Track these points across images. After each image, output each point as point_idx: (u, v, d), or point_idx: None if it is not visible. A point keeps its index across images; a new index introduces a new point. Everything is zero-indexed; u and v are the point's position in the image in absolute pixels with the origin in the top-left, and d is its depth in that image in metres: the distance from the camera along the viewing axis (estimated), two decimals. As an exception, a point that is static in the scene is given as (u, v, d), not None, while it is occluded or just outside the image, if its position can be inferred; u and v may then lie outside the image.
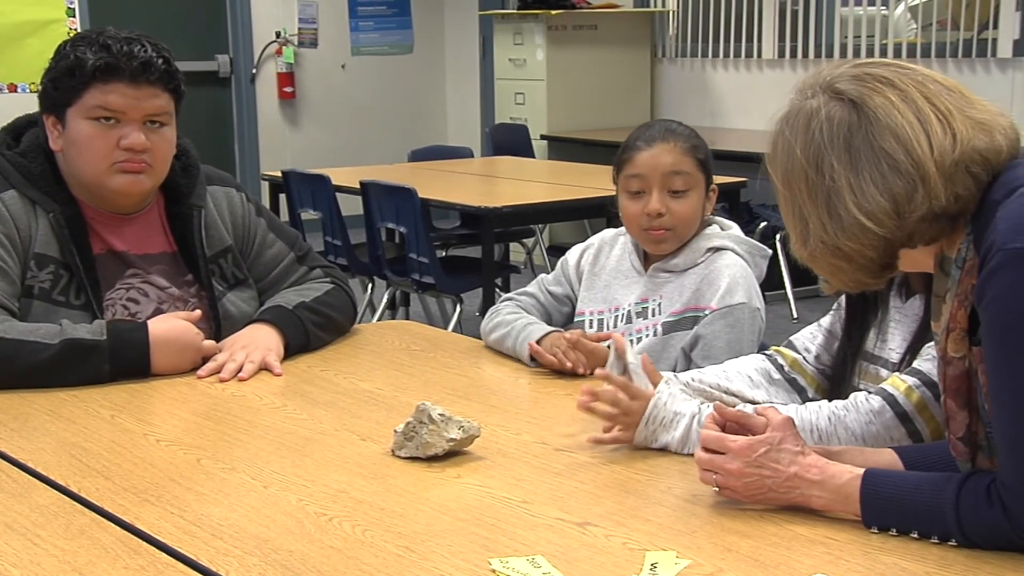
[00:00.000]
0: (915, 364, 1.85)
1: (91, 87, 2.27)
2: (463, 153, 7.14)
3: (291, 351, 2.40)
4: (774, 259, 5.14)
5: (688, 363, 2.32)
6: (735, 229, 2.50)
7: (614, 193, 2.51)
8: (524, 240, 7.08)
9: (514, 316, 2.46)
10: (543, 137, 8.12)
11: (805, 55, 7.70)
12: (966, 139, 1.44)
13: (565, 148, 7.89)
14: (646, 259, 2.50)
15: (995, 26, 6.79)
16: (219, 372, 2.28)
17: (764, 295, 2.44)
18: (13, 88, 7.91)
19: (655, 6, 8.56)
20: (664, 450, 1.85)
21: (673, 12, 8.48)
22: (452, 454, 1.83)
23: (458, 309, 5.18)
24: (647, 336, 2.42)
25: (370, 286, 5.59)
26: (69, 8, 8.04)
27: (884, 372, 1.94)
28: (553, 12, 8.07)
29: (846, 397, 1.92)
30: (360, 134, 9.39)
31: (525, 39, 8.25)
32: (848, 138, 1.47)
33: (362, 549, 1.51)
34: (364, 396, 2.19)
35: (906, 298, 1.95)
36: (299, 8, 9.21)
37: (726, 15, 8.13)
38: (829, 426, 1.81)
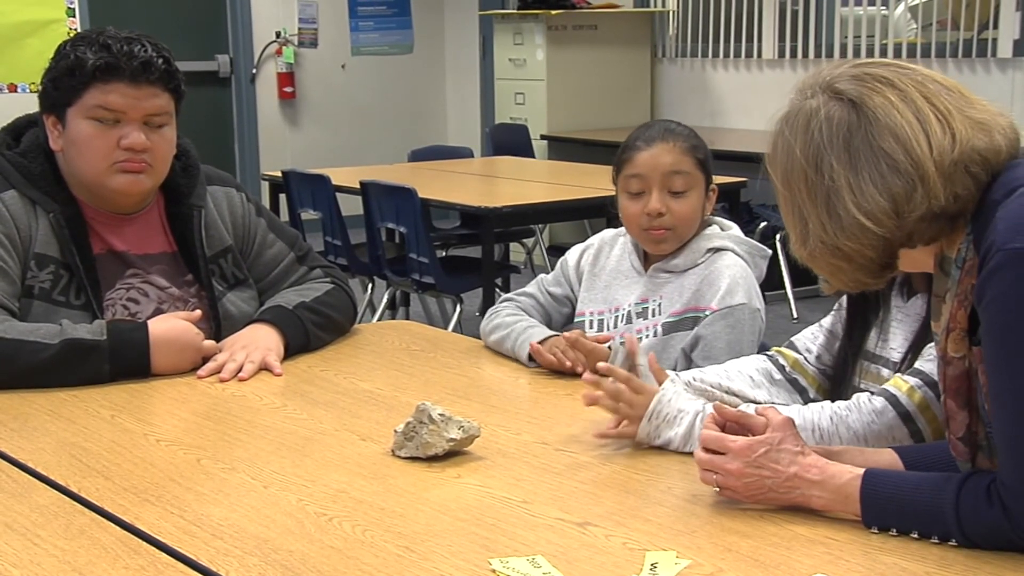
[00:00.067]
0: (917, 364, 1.85)
1: (91, 87, 2.27)
2: (463, 153, 7.14)
3: (291, 351, 2.41)
4: (774, 259, 5.15)
5: (688, 364, 2.32)
6: (735, 229, 2.50)
7: (614, 193, 2.51)
8: (524, 240, 7.08)
9: (514, 318, 2.46)
10: (543, 137, 8.12)
11: (805, 55, 7.70)
12: (965, 139, 1.44)
13: (565, 148, 7.89)
14: (646, 259, 2.50)
15: (995, 26, 6.79)
16: (219, 372, 2.28)
17: (764, 295, 2.44)
18: (13, 88, 7.91)
19: (655, 6, 8.56)
20: (665, 449, 1.85)
21: (673, 12, 8.48)
22: (452, 454, 1.83)
23: (458, 309, 5.18)
24: (647, 336, 2.42)
25: (370, 286, 5.59)
26: (69, 8, 8.04)
27: (885, 372, 1.94)
28: (553, 12, 8.07)
29: (847, 397, 1.92)
30: (360, 134, 9.39)
31: (525, 39, 8.25)
32: (847, 138, 1.47)
33: (362, 549, 1.51)
34: (364, 396, 2.19)
35: (908, 297, 1.95)
36: (299, 8, 9.21)
37: (726, 15, 8.13)
38: (831, 426, 1.81)
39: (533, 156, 7.73)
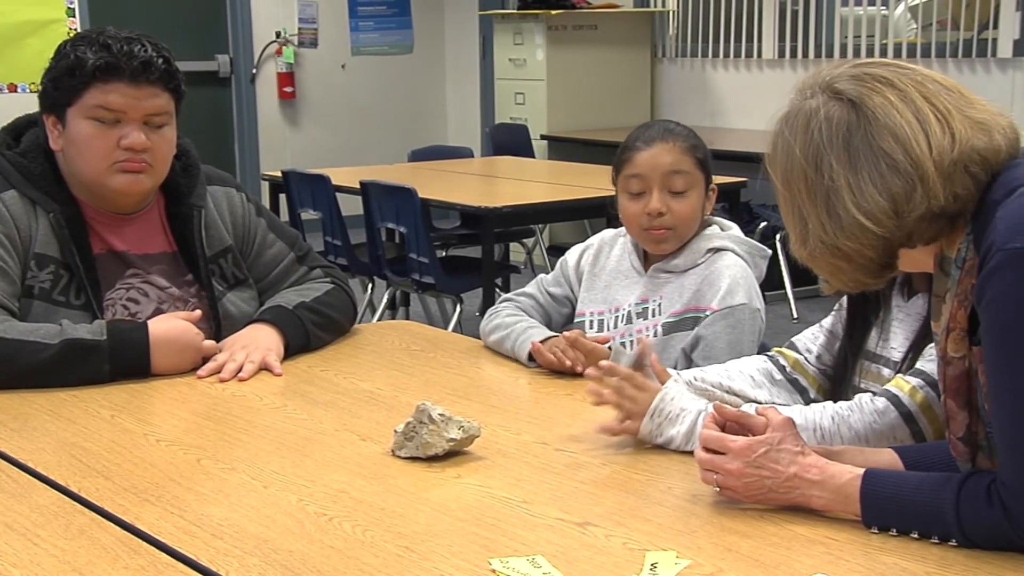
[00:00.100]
0: (919, 364, 1.85)
1: (91, 87, 2.27)
2: (463, 153, 7.14)
3: (291, 351, 2.40)
4: (774, 259, 5.15)
5: (688, 364, 2.32)
6: (735, 230, 2.50)
7: (614, 193, 2.51)
8: (524, 240, 7.08)
9: (513, 318, 2.46)
10: (543, 137, 8.12)
11: (805, 55, 7.70)
12: (965, 139, 1.44)
13: (565, 148, 7.89)
14: (646, 259, 2.51)
15: (995, 26, 6.79)
16: (219, 372, 2.28)
17: (764, 295, 2.44)
18: (13, 88, 7.91)
19: (655, 6, 8.56)
20: (666, 448, 1.85)
21: (673, 12, 8.48)
22: (452, 454, 1.83)
23: (458, 309, 5.18)
24: (647, 336, 2.42)
25: (370, 286, 5.59)
26: (69, 8, 8.04)
27: (886, 371, 1.94)
28: (553, 12, 8.07)
29: (847, 397, 1.92)
30: (360, 134, 9.39)
31: (525, 39, 8.25)
32: (847, 138, 1.47)
33: (362, 549, 1.51)
34: (364, 396, 2.19)
35: (908, 297, 1.95)
36: (299, 8, 9.21)
37: (726, 15, 8.13)
38: (833, 426, 1.81)
39: (533, 156, 7.73)
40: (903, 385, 1.82)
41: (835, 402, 1.88)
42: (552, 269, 2.64)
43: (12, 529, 1.57)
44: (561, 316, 2.59)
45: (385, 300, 5.59)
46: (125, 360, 2.23)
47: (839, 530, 1.52)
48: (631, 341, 2.43)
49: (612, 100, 8.32)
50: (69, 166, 2.34)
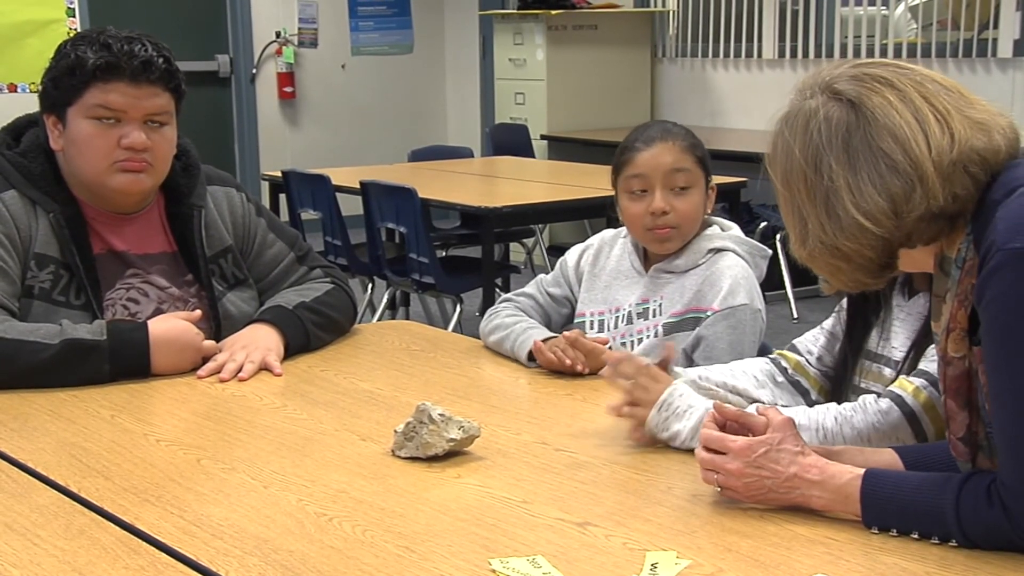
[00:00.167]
0: (921, 365, 1.85)
1: (92, 86, 2.27)
2: (463, 153, 7.14)
3: (291, 351, 2.40)
4: (774, 259, 5.14)
5: (689, 364, 2.32)
6: (735, 230, 2.50)
7: (613, 194, 2.51)
8: (524, 240, 7.08)
9: (513, 319, 2.46)
10: (543, 137, 8.12)
11: (805, 55, 7.70)
12: (964, 139, 1.44)
13: (565, 148, 7.89)
14: (646, 260, 2.50)
15: (995, 26, 6.79)
16: (219, 372, 2.28)
17: (764, 295, 2.44)
18: (13, 88, 7.91)
19: (655, 6, 8.56)
20: (670, 444, 1.85)
21: (673, 12, 8.48)
22: (452, 454, 1.83)
23: (458, 309, 5.18)
24: (648, 337, 2.42)
25: (370, 286, 5.59)
26: (69, 8, 8.04)
27: (887, 371, 1.94)
28: (553, 12, 8.07)
29: (847, 397, 1.92)
30: (360, 134, 9.39)
31: (525, 39, 8.25)
32: (846, 138, 1.47)
33: (362, 549, 1.51)
34: (364, 396, 2.19)
35: (909, 296, 1.95)
36: (299, 8, 9.21)
37: (726, 15, 8.13)
38: (836, 426, 1.81)
39: (533, 156, 7.73)
40: (906, 385, 1.82)
41: (836, 403, 1.88)
42: (552, 269, 2.64)
43: (12, 529, 1.57)
44: (561, 316, 2.59)
45: (385, 300, 5.59)
46: (125, 360, 2.23)
47: (839, 530, 1.52)
48: (631, 341, 2.43)
49: (612, 100, 8.32)
50: (69, 166, 2.34)
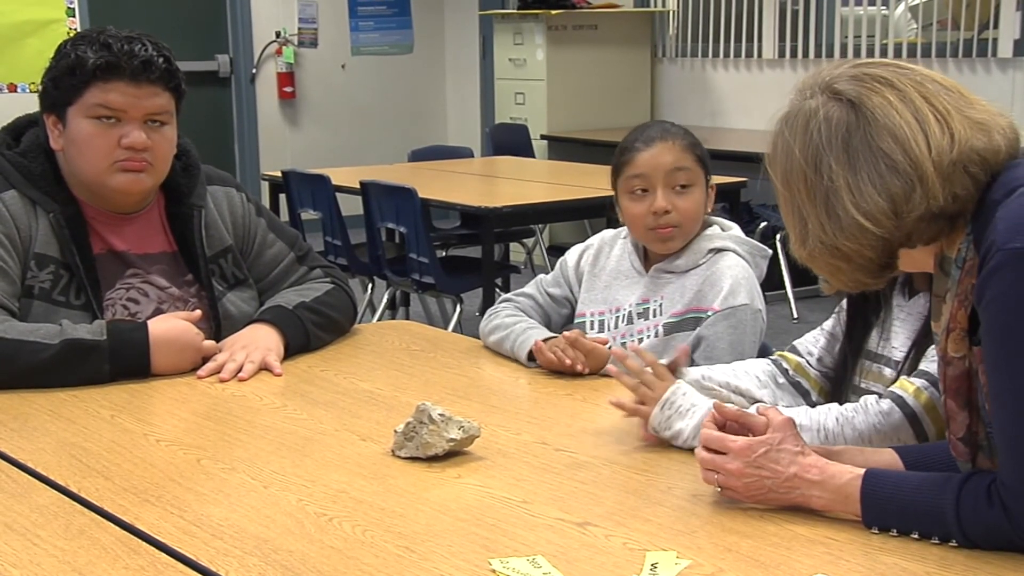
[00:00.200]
0: (922, 365, 1.85)
1: (92, 86, 2.27)
2: (463, 153, 7.14)
3: (291, 351, 2.40)
4: (774, 259, 5.13)
5: (690, 364, 2.32)
6: (736, 230, 2.50)
7: (613, 195, 2.51)
8: (524, 240, 7.08)
9: (513, 319, 2.46)
10: (543, 137, 8.12)
11: (805, 55, 7.70)
12: (964, 139, 1.44)
13: (565, 148, 7.89)
14: (646, 260, 2.50)
15: (995, 26, 6.79)
16: (219, 372, 2.28)
17: (764, 295, 2.44)
18: (13, 88, 7.91)
19: (655, 6, 8.56)
20: (672, 443, 1.85)
21: (673, 12, 8.48)
22: (452, 454, 1.83)
23: (458, 309, 5.18)
24: (648, 337, 2.42)
25: (370, 286, 5.59)
26: (69, 8, 8.04)
27: (887, 371, 1.94)
28: (553, 12, 8.07)
29: (847, 397, 1.92)
30: (360, 134, 9.39)
31: (525, 39, 8.25)
32: (846, 138, 1.47)
33: (362, 549, 1.50)
34: (364, 396, 2.19)
35: (909, 296, 1.95)
36: (299, 8, 9.21)
37: (726, 15, 8.13)
38: (837, 427, 1.81)
39: (533, 156, 7.73)
40: (907, 386, 1.82)
41: (837, 403, 1.88)
42: (552, 269, 2.64)
43: (12, 529, 1.57)
44: (560, 317, 2.59)
45: (385, 300, 5.59)
46: (125, 360, 2.23)
47: (839, 530, 1.52)
48: (632, 341, 2.43)
49: (612, 100, 8.32)
50: (69, 165, 2.34)
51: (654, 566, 1.44)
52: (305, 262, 2.61)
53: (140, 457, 1.86)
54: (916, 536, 1.48)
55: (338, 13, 9.37)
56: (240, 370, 2.28)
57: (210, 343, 2.34)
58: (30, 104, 2.44)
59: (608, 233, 2.61)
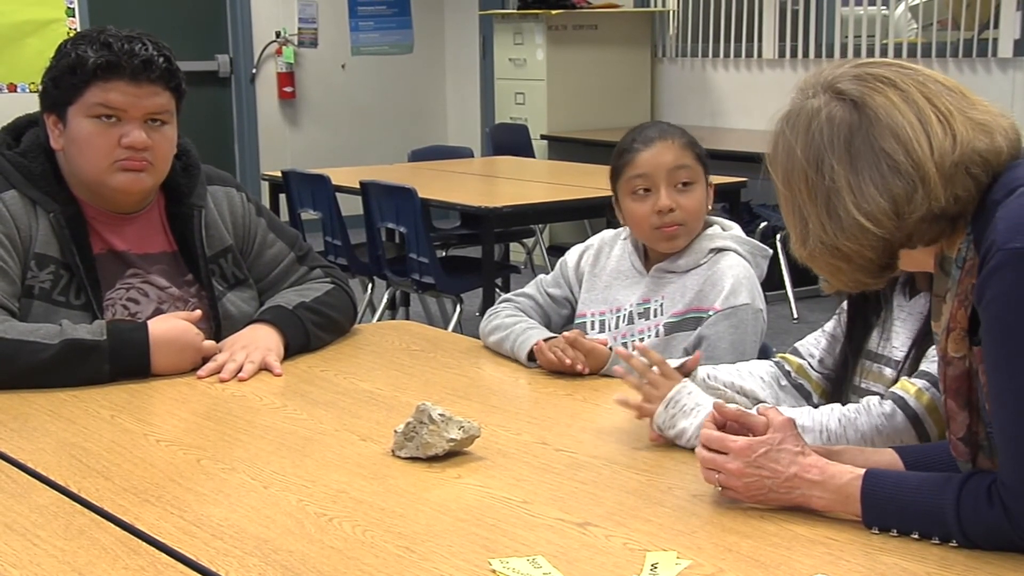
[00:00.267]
0: (924, 366, 1.85)
1: (92, 85, 2.27)
2: (463, 153, 7.14)
3: (291, 351, 2.40)
4: (774, 259, 5.14)
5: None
6: (736, 229, 2.50)
7: (613, 197, 2.51)
8: (524, 240, 7.08)
9: (513, 319, 2.46)
10: (543, 137, 8.12)
11: (805, 55, 7.70)
12: (966, 140, 1.44)
13: (565, 148, 7.89)
14: (647, 259, 2.50)
15: (995, 26, 6.79)
16: (219, 372, 2.28)
17: (764, 295, 2.44)
18: (13, 88, 7.91)
19: (655, 6, 8.56)
20: (676, 442, 1.85)
21: (673, 12, 8.48)
22: (452, 454, 1.83)
23: (458, 309, 5.18)
24: (649, 337, 2.42)
25: (370, 286, 5.59)
26: (69, 8, 8.04)
27: (887, 371, 1.94)
28: (553, 12, 8.07)
29: (847, 397, 1.92)
30: (360, 134, 9.39)
31: (525, 39, 8.25)
32: (848, 138, 1.47)
33: (362, 549, 1.50)
34: (364, 396, 2.18)
35: (910, 296, 1.95)
36: (299, 8, 9.21)
37: (726, 15, 8.13)
38: (839, 428, 1.81)
39: (533, 156, 7.73)
40: (909, 387, 1.82)
41: (836, 402, 1.88)
42: (552, 269, 2.64)
43: (12, 529, 1.57)
44: (560, 317, 2.58)
45: (385, 300, 5.59)
46: (125, 360, 2.23)
47: (839, 530, 1.52)
48: (632, 341, 2.43)
49: (612, 100, 8.32)
50: (70, 165, 2.34)
51: (654, 566, 1.44)
52: (305, 262, 2.61)
53: (140, 457, 1.86)
54: (916, 536, 1.48)
55: (338, 13, 9.37)
56: (240, 370, 2.27)
57: (210, 343, 2.34)
58: (30, 104, 2.44)
59: (608, 233, 2.61)
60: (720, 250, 2.43)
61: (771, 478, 1.57)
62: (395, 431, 1.85)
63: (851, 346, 2.00)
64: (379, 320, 5.36)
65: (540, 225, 7.04)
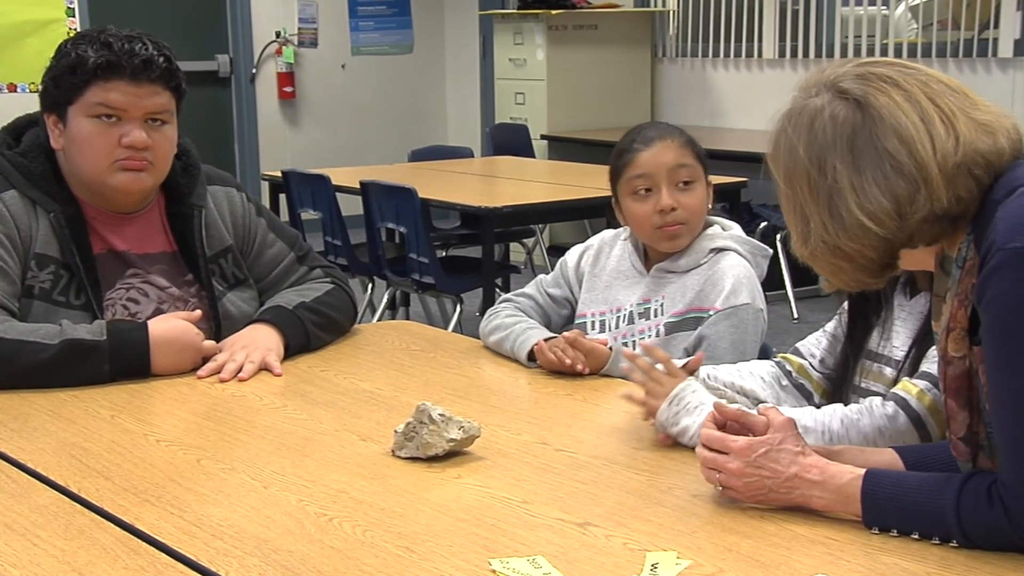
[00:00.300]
0: (924, 367, 1.85)
1: (92, 85, 2.27)
2: (463, 153, 7.14)
3: (291, 351, 2.40)
4: (775, 259, 5.15)
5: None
6: (736, 229, 2.50)
7: (613, 198, 2.51)
8: (524, 240, 7.08)
9: (513, 319, 2.46)
10: (543, 137, 8.12)
11: (805, 55, 7.70)
12: (969, 141, 1.44)
13: (565, 148, 7.89)
14: (647, 259, 2.50)
15: (996, 26, 6.79)
16: (219, 372, 2.28)
17: (765, 295, 2.44)
18: (13, 88, 7.91)
19: (655, 6, 8.56)
20: (679, 440, 1.85)
21: (673, 12, 8.48)
22: (452, 454, 1.83)
23: (458, 309, 5.18)
24: (649, 337, 2.42)
25: (370, 286, 5.59)
26: (69, 8, 8.04)
27: (888, 370, 1.94)
28: (553, 12, 8.07)
29: (848, 396, 1.92)
30: (360, 134, 9.39)
31: (525, 39, 8.25)
32: (851, 138, 1.47)
33: (362, 549, 1.50)
34: (364, 396, 2.18)
35: (911, 296, 1.95)
36: (299, 8, 9.21)
37: (726, 15, 8.13)
38: (842, 429, 1.81)
39: (533, 156, 7.73)
40: (910, 388, 1.82)
41: (836, 402, 1.88)
42: (552, 269, 2.64)
43: (12, 529, 1.57)
44: (560, 317, 2.58)
45: (385, 300, 5.59)
46: (125, 360, 2.23)
47: (839, 530, 1.52)
48: (632, 341, 2.43)
49: (612, 100, 8.32)
50: (70, 165, 2.34)
51: (654, 566, 1.44)
52: (305, 262, 2.61)
53: (140, 457, 1.86)
54: (916, 536, 1.48)
55: (338, 13, 9.37)
56: (240, 370, 2.27)
57: (210, 343, 2.34)
58: (30, 104, 2.44)
59: (608, 233, 2.61)
60: (720, 250, 2.43)
61: (771, 478, 1.57)
62: (395, 431, 1.85)
63: (852, 346, 2.00)
64: (379, 320, 5.36)
65: (540, 225, 7.04)
